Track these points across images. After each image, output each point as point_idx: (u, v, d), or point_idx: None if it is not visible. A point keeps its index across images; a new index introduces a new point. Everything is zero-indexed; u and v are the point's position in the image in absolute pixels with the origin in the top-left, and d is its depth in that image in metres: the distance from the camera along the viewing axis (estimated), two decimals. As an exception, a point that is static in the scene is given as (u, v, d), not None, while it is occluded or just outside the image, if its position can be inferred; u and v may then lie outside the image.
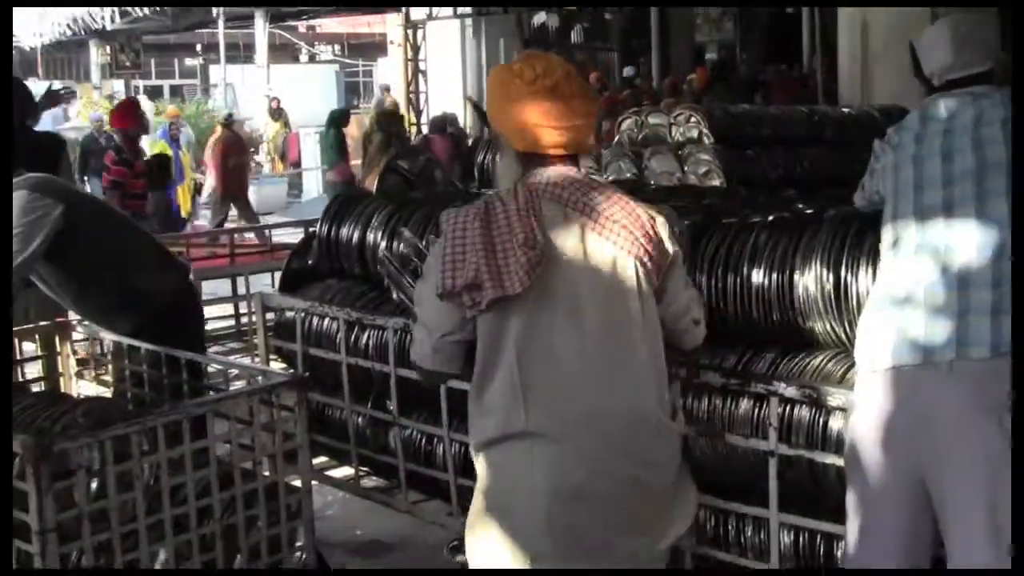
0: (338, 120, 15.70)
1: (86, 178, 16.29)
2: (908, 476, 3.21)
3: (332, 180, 15.28)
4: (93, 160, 16.88)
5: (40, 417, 4.05)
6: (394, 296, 3.99)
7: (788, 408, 3.76)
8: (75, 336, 5.46)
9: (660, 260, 3.18)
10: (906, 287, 3.24)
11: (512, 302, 3.05)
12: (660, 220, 3.21)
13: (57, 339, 5.43)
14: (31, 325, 5.48)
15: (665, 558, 3.36)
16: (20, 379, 5.45)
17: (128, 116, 9.93)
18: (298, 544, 4.36)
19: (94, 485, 3.81)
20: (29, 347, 5.45)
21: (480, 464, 3.27)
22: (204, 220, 17.10)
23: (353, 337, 5.03)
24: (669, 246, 3.22)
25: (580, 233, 3.12)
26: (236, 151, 16.11)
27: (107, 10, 25.36)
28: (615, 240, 3.11)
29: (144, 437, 3.88)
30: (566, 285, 3.10)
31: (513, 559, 3.15)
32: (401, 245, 3.95)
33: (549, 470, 3.08)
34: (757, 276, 4.00)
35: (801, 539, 3.86)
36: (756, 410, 3.83)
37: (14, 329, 5.27)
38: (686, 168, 7.73)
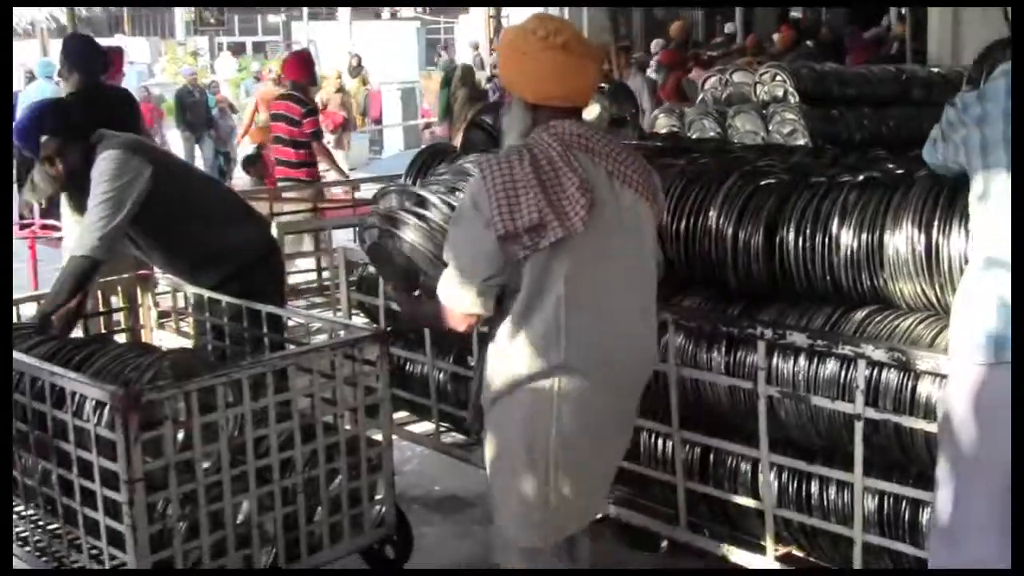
0: (449, 78, 15.78)
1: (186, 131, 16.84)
2: (1004, 454, 3.13)
3: (439, 136, 15.34)
4: (189, 114, 17.27)
5: (127, 368, 4.10)
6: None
7: (876, 371, 3.69)
8: (157, 289, 5.55)
9: (660, 204, 3.53)
10: (1000, 250, 3.15)
11: (562, 244, 3.21)
12: (655, 171, 3.52)
13: (139, 291, 5.50)
14: (114, 277, 5.56)
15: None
16: (103, 330, 5.54)
17: (303, 68, 10.09)
18: (377, 497, 4.40)
19: (180, 436, 3.85)
20: (113, 300, 5.53)
21: (496, 411, 3.42)
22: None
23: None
24: (660, 192, 3.54)
25: (608, 180, 3.32)
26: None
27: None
28: (636, 187, 3.35)
29: (229, 389, 3.92)
30: (605, 229, 3.28)
31: (533, 498, 3.38)
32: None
33: (573, 405, 3.29)
34: (846, 236, 3.93)
35: (886, 504, 3.81)
36: (843, 372, 3.77)
37: (100, 281, 5.36)
38: (770, 127, 7.62)
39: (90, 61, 6.72)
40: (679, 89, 13.22)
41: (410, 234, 3.76)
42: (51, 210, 8.41)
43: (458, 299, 3.33)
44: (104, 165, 4.65)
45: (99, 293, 5.47)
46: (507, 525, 3.50)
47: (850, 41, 15.57)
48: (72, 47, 6.89)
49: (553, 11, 20.45)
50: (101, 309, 5.55)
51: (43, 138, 4.72)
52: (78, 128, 4.84)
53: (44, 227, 8.84)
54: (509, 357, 3.33)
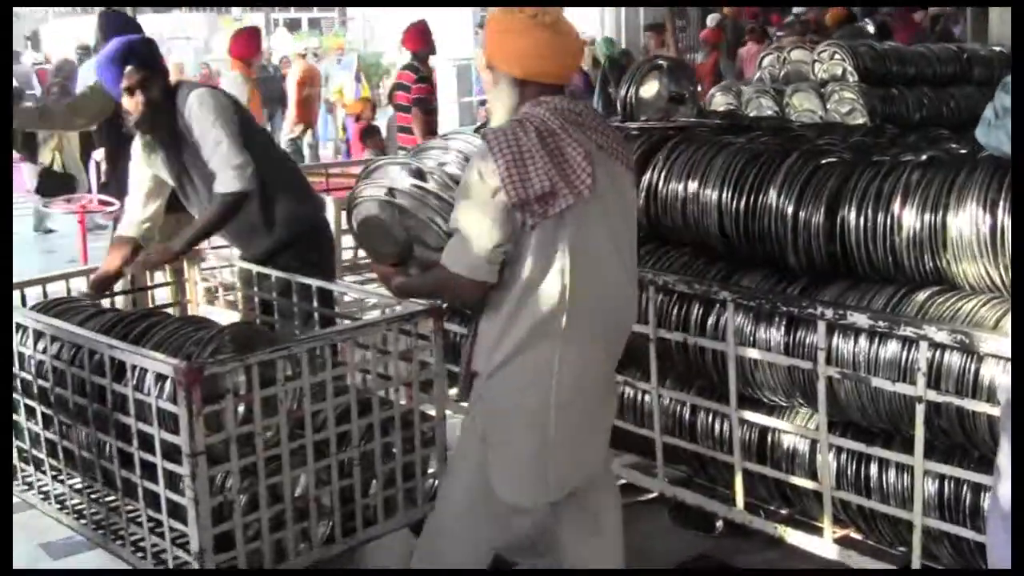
0: None
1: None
2: None
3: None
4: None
5: (187, 341, 4.12)
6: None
7: (938, 353, 3.65)
8: (203, 263, 5.58)
9: (638, 176, 3.80)
10: None
11: (567, 212, 3.32)
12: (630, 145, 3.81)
13: (185, 265, 5.53)
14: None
15: None
16: (151, 304, 5.57)
17: (421, 38, 10.58)
18: (430, 471, 4.41)
19: (240, 409, 3.88)
20: (158, 274, 5.57)
21: (496, 378, 3.47)
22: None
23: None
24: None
25: (600, 153, 3.43)
26: (310, 82, 16.54)
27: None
28: (620, 158, 3.50)
29: (287, 363, 3.94)
30: (602, 199, 3.39)
31: (533, 462, 3.47)
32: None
33: (572, 371, 3.39)
34: (908, 216, 3.88)
35: (946, 488, 3.77)
36: (904, 354, 3.74)
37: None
38: (828, 106, 7.52)
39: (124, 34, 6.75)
40: (716, 69, 13.11)
41: (417, 206, 3.75)
42: (109, 185, 8.49)
43: (470, 268, 3.37)
44: (205, 104, 4.78)
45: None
46: (506, 489, 3.54)
47: (896, 20, 15.35)
48: (106, 24, 6.93)
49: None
50: (148, 283, 5.59)
51: (128, 68, 4.80)
52: (162, 66, 4.99)
53: (100, 202, 8.89)
54: (512, 326, 3.40)
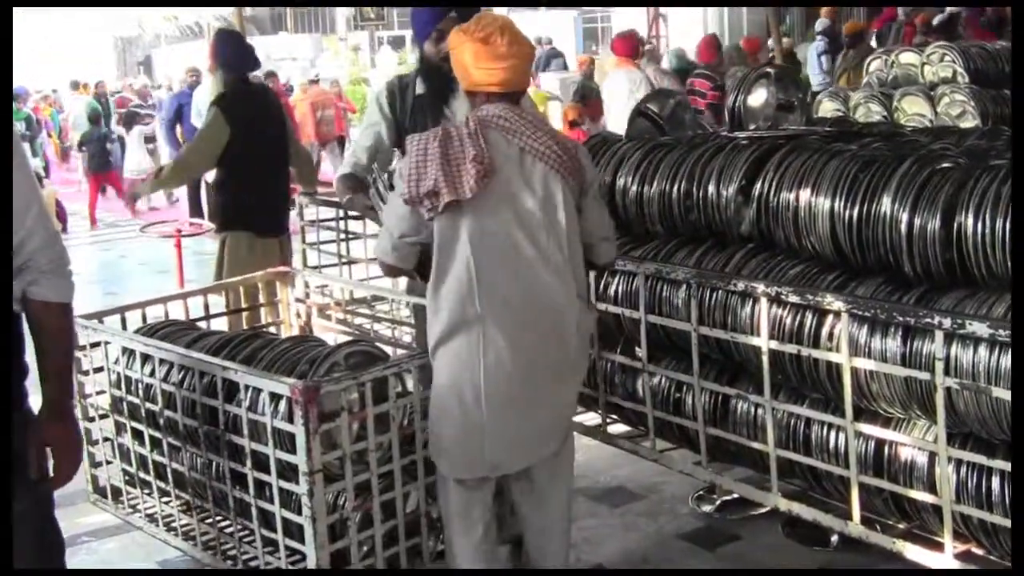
0: None
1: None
2: None
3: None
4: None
5: (300, 361, 4.17)
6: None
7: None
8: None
9: (580, 179, 3.97)
10: None
11: (465, 207, 3.79)
12: (582, 149, 4.06)
13: (279, 287, 5.61)
14: (259, 273, 5.70)
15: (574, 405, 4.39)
16: (245, 327, 5.66)
17: (709, 50, 12.12)
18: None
19: (354, 427, 3.91)
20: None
21: (435, 364, 3.92)
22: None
23: (603, 283, 5.01)
24: (588, 170, 4.03)
25: (519, 155, 3.87)
26: (323, 104, 18.32)
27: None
28: (545, 159, 3.87)
29: (399, 380, 3.97)
30: (508, 195, 3.84)
31: (464, 436, 3.88)
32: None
33: (496, 352, 3.80)
34: (1031, 222, 3.78)
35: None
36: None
37: (244, 278, 5.52)
38: (939, 109, 7.39)
39: (236, 57, 6.88)
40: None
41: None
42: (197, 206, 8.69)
43: (381, 252, 3.99)
44: None
45: (240, 289, 5.61)
46: (441, 460, 3.95)
47: (966, 19, 14.99)
48: (219, 43, 7.08)
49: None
50: (243, 305, 5.68)
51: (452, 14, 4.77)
52: None
53: (192, 224, 9.07)
54: (438, 310, 3.86)
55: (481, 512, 3.99)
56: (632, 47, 11.23)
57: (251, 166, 6.63)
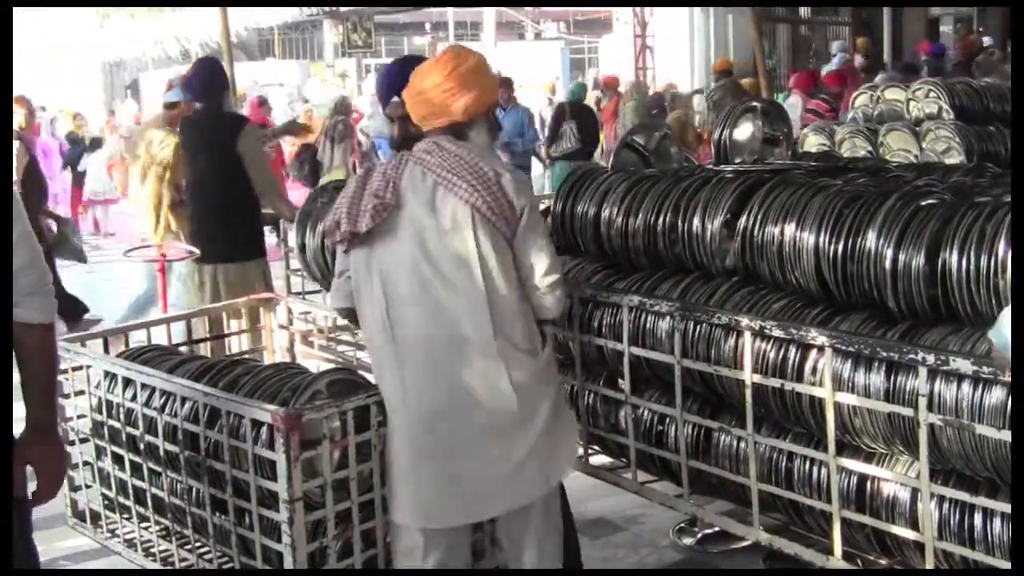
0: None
1: None
2: None
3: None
4: None
5: (282, 388, 4.16)
6: None
7: (1046, 399, 3.55)
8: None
9: (506, 212, 3.82)
10: None
11: (375, 241, 3.82)
12: (507, 178, 3.85)
13: (262, 312, 5.60)
14: (242, 299, 5.69)
15: (550, 485, 4.03)
16: (226, 352, 5.65)
17: (809, 79, 13.84)
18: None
19: (336, 455, 3.90)
20: (233, 322, 5.67)
21: None
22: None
23: (587, 314, 5.00)
24: (516, 202, 3.84)
25: (432, 188, 3.81)
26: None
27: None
28: (457, 192, 3.77)
29: (379, 408, 3.96)
30: (417, 228, 3.79)
31: (398, 480, 3.87)
32: None
33: (417, 393, 3.79)
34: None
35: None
36: (1010, 400, 3.63)
37: (225, 304, 5.52)
38: (924, 145, 7.42)
39: (197, 85, 6.95)
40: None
41: None
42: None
43: (331, 296, 4.20)
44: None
45: (223, 315, 5.60)
46: (389, 500, 3.92)
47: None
48: (190, 70, 7.19)
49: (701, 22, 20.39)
50: (225, 331, 5.67)
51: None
52: None
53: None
54: (369, 344, 3.98)
55: (437, 558, 3.91)
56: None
57: (193, 193, 6.96)
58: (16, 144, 10.33)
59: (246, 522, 4.04)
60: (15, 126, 10.66)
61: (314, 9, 28.66)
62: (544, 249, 3.92)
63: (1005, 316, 3.17)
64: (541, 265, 3.90)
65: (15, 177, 10.23)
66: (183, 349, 5.24)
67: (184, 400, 4.18)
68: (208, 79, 6.87)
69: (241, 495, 4.00)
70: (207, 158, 6.81)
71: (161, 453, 4.31)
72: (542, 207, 4.81)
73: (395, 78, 4.33)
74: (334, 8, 28.65)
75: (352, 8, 29.09)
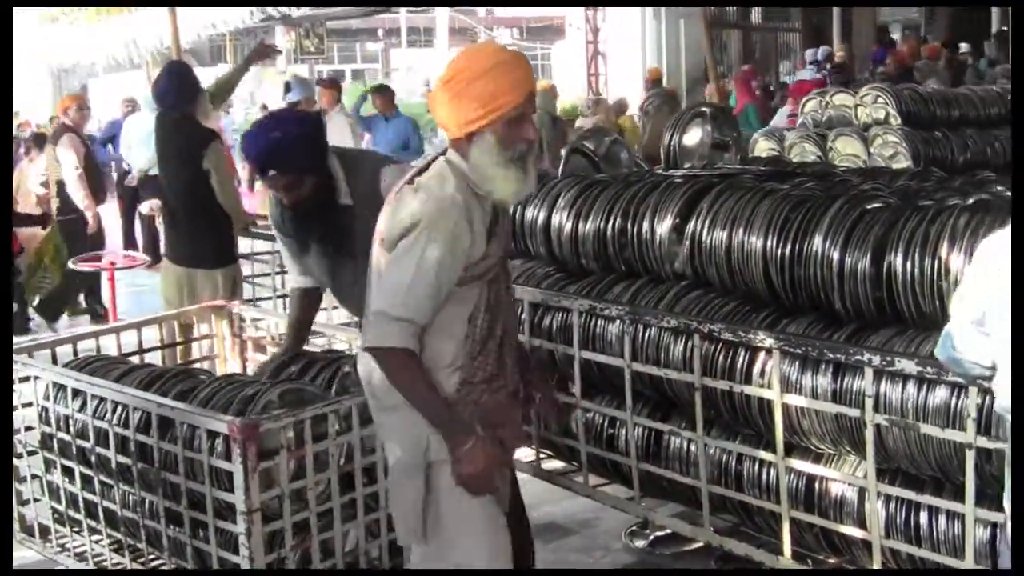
0: None
1: None
2: None
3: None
4: None
5: (235, 398, 4.14)
6: None
7: (988, 399, 3.61)
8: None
9: (383, 230, 3.41)
10: None
11: None
12: (398, 197, 3.40)
13: (214, 319, 5.57)
14: (194, 307, 5.67)
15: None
16: (179, 361, 5.61)
17: None
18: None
19: (292, 465, 3.89)
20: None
21: None
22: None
23: (537, 318, 5.03)
24: (386, 220, 3.40)
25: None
26: None
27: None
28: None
29: (336, 418, 3.96)
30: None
31: None
32: None
33: None
34: (956, 261, 3.85)
35: (998, 536, 3.72)
36: (954, 400, 3.70)
37: (177, 312, 5.49)
38: (872, 150, 7.52)
39: (159, 91, 6.93)
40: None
41: None
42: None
43: None
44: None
45: (175, 324, 5.57)
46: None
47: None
48: (161, 75, 7.17)
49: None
50: (177, 340, 5.64)
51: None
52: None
53: (127, 258, 9.03)
54: None
55: None
56: None
57: (165, 195, 7.01)
58: (71, 137, 10.57)
59: (201, 534, 4.03)
60: (68, 120, 10.79)
61: (268, 11, 28.42)
62: (392, 267, 3.35)
63: (945, 334, 3.23)
64: (384, 282, 3.36)
65: (78, 165, 10.34)
66: (134, 359, 5.19)
67: (136, 411, 4.16)
68: (175, 85, 6.84)
69: (196, 507, 3.99)
70: (176, 165, 6.77)
71: (113, 465, 4.28)
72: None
73: (269, 142, 4.09)
74: (287, 14, 28.47)
75: (305, 14, 28.94)
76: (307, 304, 4.66)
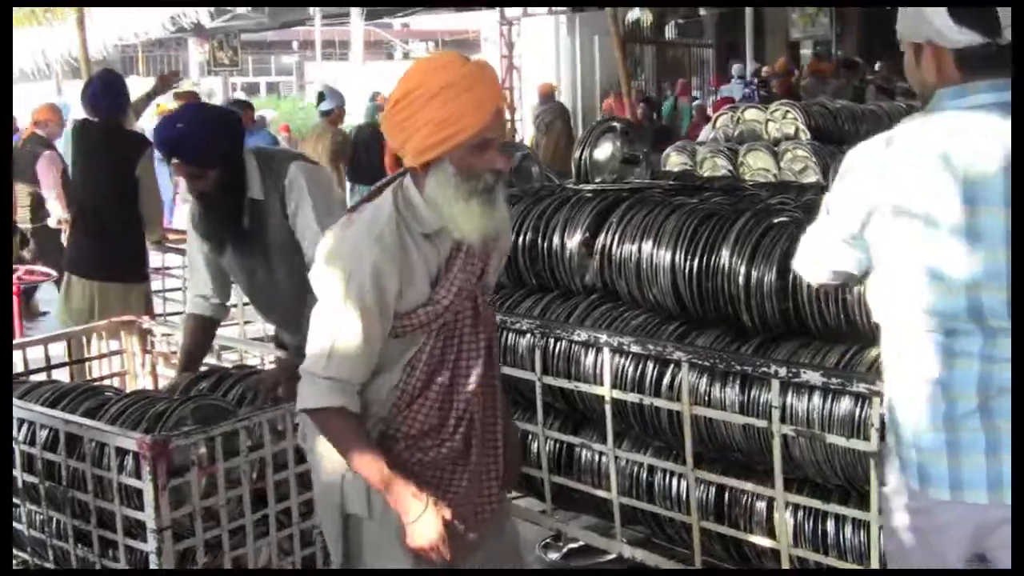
0: None
1: None
2: None
3: None
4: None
5: (145, 415, 4.10)
6: None
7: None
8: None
9: (314, 269, 3.03)
10: None
11: None
12: (333, 237, 2.99)
13: (123, 334, 5.51)
14: (103, 322, 5.60)
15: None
16: (88, 377, 5.54)
17: None
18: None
19: (203, 482, 3.87)
20: (95, 344, 5.55)
21: None
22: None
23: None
24: (316, 263, 3.00)
25: None
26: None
27: (204, 8, 25.64)
28: None
29: (248, 434, 3.94)
30: None
31: None
32: None
33: None
34: (862, 274, 3.93)
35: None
36: (858, 410, 3.78)
37: (86, 327, 5.42)
38: (782, 165, 7.62)
39: (115, 98, 6.85)
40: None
41: None
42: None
43: None
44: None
45: (83, 339, 5.50)
46: None
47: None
48: (89, 83, 7.09)
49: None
50: (86, 355, 5.57)
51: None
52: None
53: (30, 272, 8.84)
54: None
55: None
56: None
57: (84, 205, 6.87)
58: (52, 156, 10.09)
59: (111, 553, 3.98)
60: (43, 132, 10.38)
61: (181, 23, 28.13)
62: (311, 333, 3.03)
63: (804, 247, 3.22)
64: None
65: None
66: (40, 376, 5.11)
67: (43, 428, 4.10)
68: (102, 92, 6.77)
69: (105, 526, 3.94)
70: (105, 173, 6.68)
71: (19, 484, 4.22)
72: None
73: (173, 132, 4.11)
74: (199, 24, 28.19)
75: (218, 25, 28.70)
76: (200, 334, 4.65)
